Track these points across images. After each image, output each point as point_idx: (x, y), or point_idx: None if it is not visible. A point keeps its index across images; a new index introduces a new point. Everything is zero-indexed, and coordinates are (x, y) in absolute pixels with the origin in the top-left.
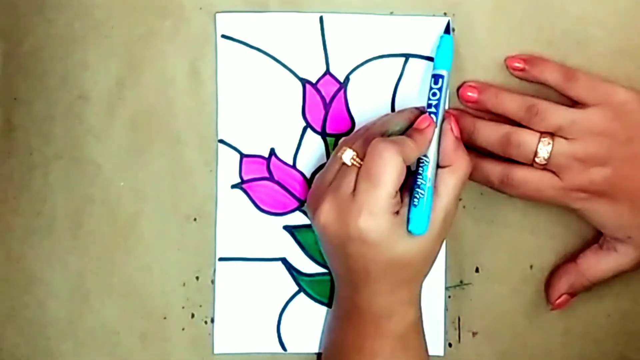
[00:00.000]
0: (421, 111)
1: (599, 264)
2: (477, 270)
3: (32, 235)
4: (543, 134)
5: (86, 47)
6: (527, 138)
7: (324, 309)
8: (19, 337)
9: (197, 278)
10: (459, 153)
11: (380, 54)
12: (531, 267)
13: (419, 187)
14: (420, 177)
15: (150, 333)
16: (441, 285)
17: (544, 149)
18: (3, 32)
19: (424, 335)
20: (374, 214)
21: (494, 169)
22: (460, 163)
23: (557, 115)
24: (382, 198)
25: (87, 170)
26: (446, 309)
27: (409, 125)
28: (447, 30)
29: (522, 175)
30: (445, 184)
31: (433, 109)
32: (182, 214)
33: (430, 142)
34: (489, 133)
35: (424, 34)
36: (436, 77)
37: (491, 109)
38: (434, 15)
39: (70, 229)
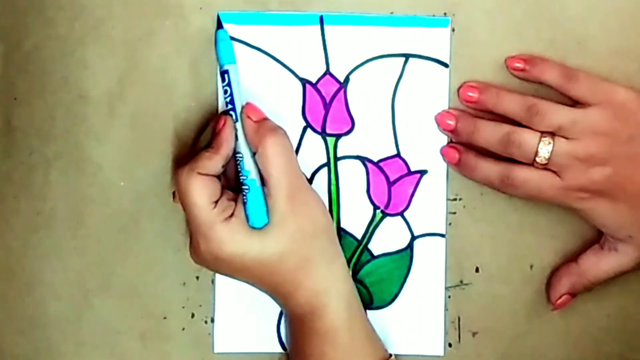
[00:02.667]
0: (221, 114)
1: (599, 264)
2: (477, 270)
3: (32, 235)
4: (544, 133)
5: (86, 47)
6: (527, 137)
7: None
8: (20, 337)
9: (197, 278)
10: (260, 132)
11: (380, 54)
12: (531, 267)
13: (243, 184)
14: (240, 174)
15: (150, 333)
16: (441, 285)
17: (545, 149)
18: (3, 32)
19: (363, 330)
20: (206, 235)
21: (494, 169)
22: (267, 139)
23: (557, 115)
24: (199, 218)
25: (87, 170)
26: (446, 309)
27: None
28: (220, 25)
29: (522, 175)
30: (267, 165)
31: (230, 106)
32: (182, 214)
33: (230, 140)
34: (489, 133)
35: (424, 34)
36: (222, 74)
37: (492, 109)
38: (434, 16)
39: (70, 229)
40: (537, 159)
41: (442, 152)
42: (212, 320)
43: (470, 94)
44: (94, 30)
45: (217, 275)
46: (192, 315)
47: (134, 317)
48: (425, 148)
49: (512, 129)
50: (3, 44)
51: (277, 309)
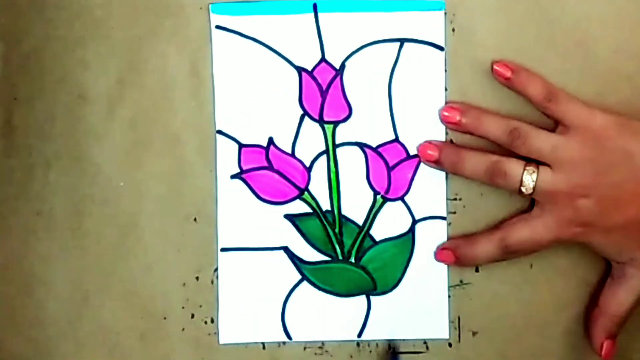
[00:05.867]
0: None
1: (616, 296)
2: (477, 270)
3: (32, 235)
4: (528, 163)
5: (86, 47)
6: (512, 167)
7: (328, 297)
8: (19, 337)
9: (197, 278)
10: None
11: (375, 39)
12: (531, 267)
13: None
14: None
15: (150, 333)
16: (444, 267)
17: (529, 178)
18: (3, 32)
19: None
20: None
21: (490, 247)
22: None
23: (538, 139)
24: None
25: (87, 170)
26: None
27: None
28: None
29: (516, 236)
30: None
31: None
32: (182, 214)
33: None
34: (475, 162)
35: (418, 18)
36: None
37: (472, 132)
38: None
39: (70, 229)
40: (523, 189)
41: (438, 258)
42: (212, 321)
43: (447, 114)
44: (93, 30)
45: (220, 266)
46: (192, 316)
47: (134, 317)
48: (423, 132)
49: (498, 158)
50: (3, 44)
51: (281, 298)
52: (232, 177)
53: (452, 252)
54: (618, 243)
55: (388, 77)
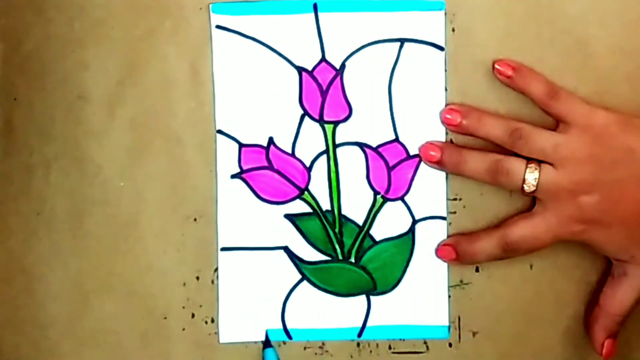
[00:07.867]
0: None
1: (616, 295)
2: (477, 270)
3: (32, 235)
4: (530, 161)
5: (86, 47)
6: (515, 165)
7: (328, 296)
8: (19, 337)
9: (197, 278)
10: None
11: (376, 39)
12: (531, 267)
13: None
14: None
15: (150, 333)
16: (444, 266)
17: (531, 176)
18: (3, 32)
19: None
20: None
21: (491, 244)
22: None
23: (540, 138)
24: None
25: (87, 170)
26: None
27: None
28: (268, 343)
29: (517, 233)
30: None
31: None
32: (182, 214)
33: None
34: (477, 162)
35: (418, 17)
36: None
37: (474, 134)
38: None
39: (70, 229)
40: (525, 187)
41: (439, 255)
42: (213, 321)
43: (449, 116)
44: (93, 30)
45: (220, 265)
46: (192, 316)
47: (134, 317)
48: (423, 132)
49: (500, 157)
50: (3, 44)
51: (281, 298)
52: (232, 177)
53: (453, 249)
54: (619, 240)
55: (388, 77)
